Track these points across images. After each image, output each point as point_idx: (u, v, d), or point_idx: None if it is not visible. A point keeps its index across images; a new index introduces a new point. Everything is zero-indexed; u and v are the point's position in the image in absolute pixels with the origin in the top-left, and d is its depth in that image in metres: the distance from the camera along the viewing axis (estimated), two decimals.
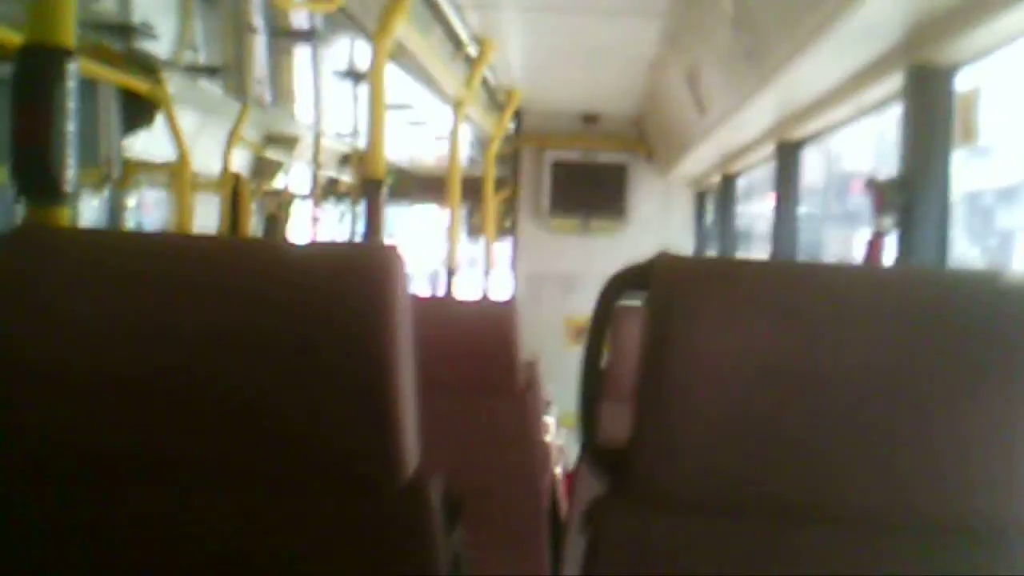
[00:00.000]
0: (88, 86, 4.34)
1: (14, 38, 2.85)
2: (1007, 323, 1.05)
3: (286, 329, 1.03)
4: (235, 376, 1.03)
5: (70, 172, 1.51)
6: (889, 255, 2.44)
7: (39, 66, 1.53)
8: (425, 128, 9.09)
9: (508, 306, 2.57)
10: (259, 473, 1.06)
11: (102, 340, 1.03)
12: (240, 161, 6.25)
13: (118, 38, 4.43)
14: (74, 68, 1.53)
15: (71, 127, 1.53)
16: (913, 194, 2.39)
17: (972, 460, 1.05)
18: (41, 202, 1.52)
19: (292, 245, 1.13)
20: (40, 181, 1.51)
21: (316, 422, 1.04)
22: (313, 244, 1.15)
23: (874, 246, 2.43)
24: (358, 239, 4.52)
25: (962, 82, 2.45)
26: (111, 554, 1.06)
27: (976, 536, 1.07)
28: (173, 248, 1.10)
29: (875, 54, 2.69)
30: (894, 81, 2.63)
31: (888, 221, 2.39)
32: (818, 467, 1.07)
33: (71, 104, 1.53)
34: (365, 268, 1.04)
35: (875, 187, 2.43)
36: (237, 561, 1.07)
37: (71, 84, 1.53)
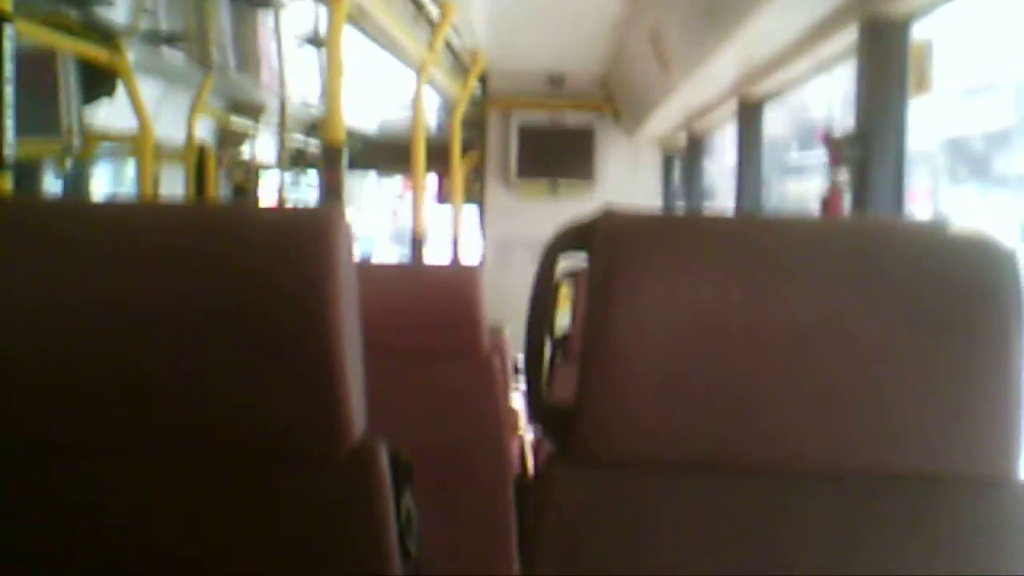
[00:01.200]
0: (46, 56, 4.27)
1: None
2: (953, 273, 1.05)
3: (225, 295, 1.02)
4: (173, 345, 1.02)
5: (9, 139, 1.49)
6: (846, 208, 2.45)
7: None
8: (392, 94, 9.02)
9: (472, 270, 2.56)
10: (200, 444, 1.06)
11: (36, 312, 1.02)
12: (206, 131, 6.18)
13: (75, 5, 4.35)
14: (10, 31, 1.51)
15: (10, 93, 1.51)
16: (869, 147, 2.39)
17: (916, 409, 1.06)
18: None
19: (231, 209, 1.12)
20: None
21: (257, 391, 1.03)
22: (254, 209, 1.14)
23: (831, 200, 2.43)
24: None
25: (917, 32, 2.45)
26: (45, 529, 1.05)
27: (926, 485, 1.08)
28: (108, 215, 1.08)
29: (830, 6, 2.68)
30: (850, 35, 2.63)
31: (844, 174, 2.39)
32: (765, 421, 1.07)
33: (8, 70, 1.50)
34: (305, 232, 1.03)
35: (831, 141, 2.43)
36: (180, 535, 1.06)
37: (8, 49, 1.50)
